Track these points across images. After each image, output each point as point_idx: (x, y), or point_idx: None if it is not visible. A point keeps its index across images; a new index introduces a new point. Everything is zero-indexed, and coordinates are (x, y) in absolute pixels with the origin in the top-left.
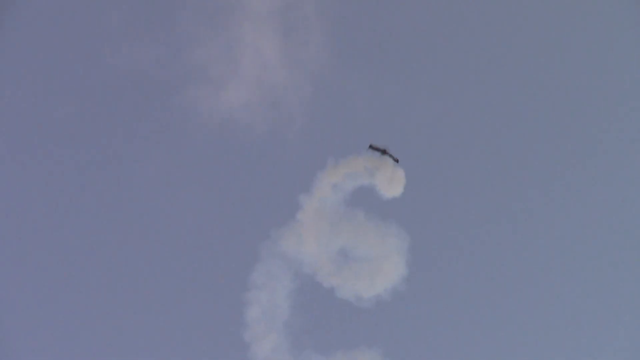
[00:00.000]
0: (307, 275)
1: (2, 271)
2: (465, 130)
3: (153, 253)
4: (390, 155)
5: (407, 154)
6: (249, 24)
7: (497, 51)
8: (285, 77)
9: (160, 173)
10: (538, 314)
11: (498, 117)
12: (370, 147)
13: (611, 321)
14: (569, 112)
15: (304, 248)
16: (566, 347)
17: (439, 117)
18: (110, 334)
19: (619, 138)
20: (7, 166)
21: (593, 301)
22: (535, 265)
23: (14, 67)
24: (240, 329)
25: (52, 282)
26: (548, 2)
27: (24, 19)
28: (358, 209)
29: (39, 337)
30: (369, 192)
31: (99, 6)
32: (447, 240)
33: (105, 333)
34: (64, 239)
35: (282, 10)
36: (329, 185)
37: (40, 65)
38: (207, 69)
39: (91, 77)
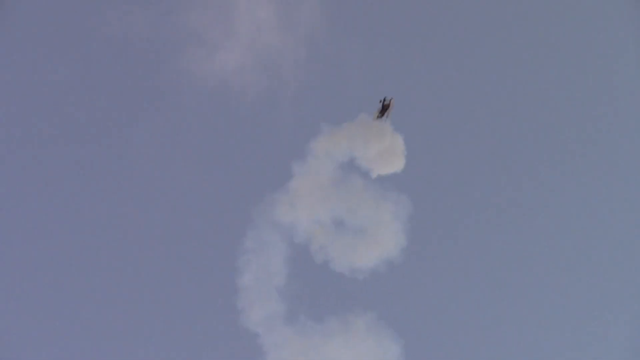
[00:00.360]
0: (301, 244)
1: None
2: (466, 96)
3: (144, 218)
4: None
5: (405, 120)
6: None
7: (502, 17)
8: (279, 40)
9: (153, 136)
10: (537, 294)
11: (502, 82)
12: (382, 102)
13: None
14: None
15: (298, 216)
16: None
17: (437, 81)
18: (99, 299)
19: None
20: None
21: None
22: (535, 241)
23: (4, 37)
24: (232, 295)
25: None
26: None
27: None
28: (355, 177)
29: (27, 331)
30: (366, 162)
31: None
32: (448, 211)
33: (95, 297)
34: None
35: None
36: (324, 152)
37: (29, 32)
38: (200, 32)
39: (82, 42)
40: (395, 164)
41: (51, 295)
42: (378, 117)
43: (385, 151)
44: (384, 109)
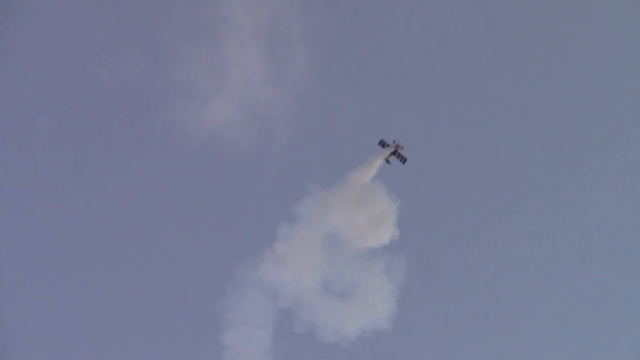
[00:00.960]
0: (285, 309)
1: None
2: (453, 144)
3: (131, 270)
4: (399, 155)
5: (394, 176)
6: (233, 40)
7: (479, 59)
8: (269, 94)
9: (143, 188)
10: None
11: (485, 127)
12: (381, 143)
13: (602, 321)
14: (565, 106)
15: (284, 277)
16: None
17: (424, 132)
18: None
19: (617, 137)
20: None
21: (583, 302)
22: (528, 294)
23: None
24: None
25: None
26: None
27: (9, 33)
28: (344, 240)
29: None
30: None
31: (85, 21)
32: (441, 276)
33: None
34: (42, 256)
35: (266, 26)
36: (312, 218)
37: (24, 80)
38: (192, 85)
39: (76, 91)
40: (384, 236)
41: None
42: (386, 159)
43: (375, 222)
44: (394, 153)
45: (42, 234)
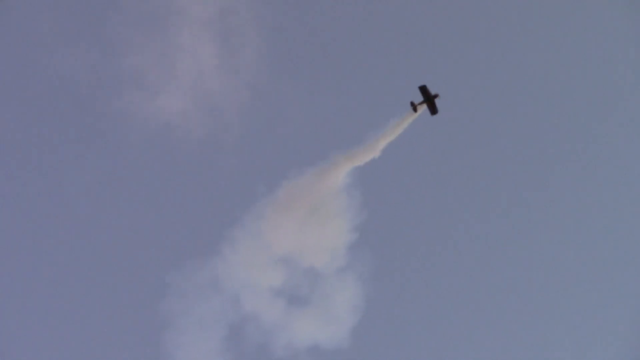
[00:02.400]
0: (236, 320)
1: None
2: (414, 137)
3: (75, 261)
4: (434, 105)
5: (359, 181)
6: (185, 30)
7: (438, 51)
8: (221, 84)
9: (94, 179)
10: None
11: (448, 116)
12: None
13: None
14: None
15: (232, 284)
16: None
17: (377, 122)
18: None
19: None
20: None
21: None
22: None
23: None
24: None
25: None
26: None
27: None
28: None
29: None
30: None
31: (31, 11)
32: (402, 291)
33: None
34: None
35: (219, 16)
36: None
37: None
38: (143, 75)
39: (25, 82)
40: (336, 253)
41: None
42: (416, 106)
43: (326, 240)
44: (429, 100)
45: None
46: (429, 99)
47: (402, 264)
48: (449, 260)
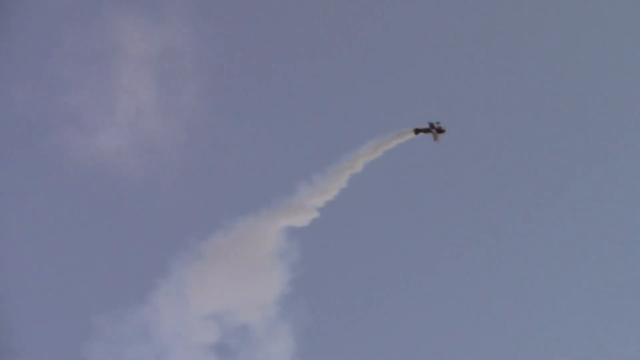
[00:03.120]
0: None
1: None
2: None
3: (7, 295)
4: (436, 129)
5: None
6: (125, 69)
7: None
8: (160, 124)
9: (28, 216)
10: None
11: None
12: (417, 131)
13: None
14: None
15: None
16: None
17: (319, 165)
18: None
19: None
20: None
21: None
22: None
23: None
24: None
25: None
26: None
27: None
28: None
29: None
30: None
31: None
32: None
33: None
34: None
35: (159, 56)
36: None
37: None
38: (81, 112)
39: None
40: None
41: None
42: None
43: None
44: (438, 130)
45: None
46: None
47: (337, 317)
48: (383, 313)
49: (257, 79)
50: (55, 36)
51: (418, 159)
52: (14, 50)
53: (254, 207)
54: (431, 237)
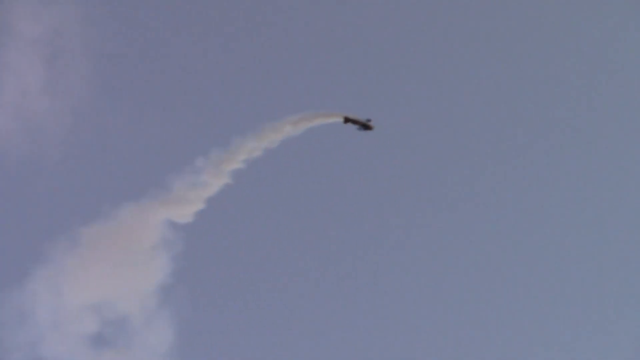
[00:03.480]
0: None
1: None
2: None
3: None
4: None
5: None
6: (12, 49)
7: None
8: (46, 106)
9: None
10: None
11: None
12: (346, 120)
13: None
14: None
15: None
16: None
17: (207, 150)
18: None
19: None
20: None
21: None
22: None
23: None
24: None
25: None
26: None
27: None
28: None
29: None
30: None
31: None
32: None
33: None
34: None
35: (47, 37)
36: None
37: None
38: None
39: None
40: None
41: None
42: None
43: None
44: (365, 126)
45: None
46: (363, 125)
47: (218, 309)
48: (264, 306)
49: (146, 62)
50: None
51: (315, 154)
52: None
53: (139, 195)
54: (320, 234)
